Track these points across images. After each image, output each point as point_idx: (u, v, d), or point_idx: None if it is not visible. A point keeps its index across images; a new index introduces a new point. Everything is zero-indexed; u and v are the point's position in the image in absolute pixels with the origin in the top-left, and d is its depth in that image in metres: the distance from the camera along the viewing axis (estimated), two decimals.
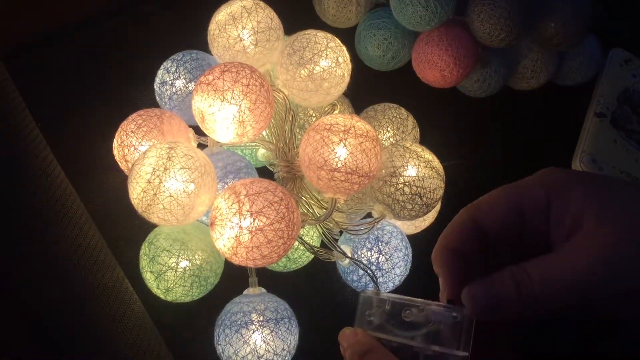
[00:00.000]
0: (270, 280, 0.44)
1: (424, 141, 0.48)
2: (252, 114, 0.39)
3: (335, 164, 0.38)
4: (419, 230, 0.47)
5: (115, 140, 0.42)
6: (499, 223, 0.29)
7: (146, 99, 0.50)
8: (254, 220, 0.35)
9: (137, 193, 0.37)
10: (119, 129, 0.41)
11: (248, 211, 0.35)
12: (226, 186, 0.40)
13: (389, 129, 0.47)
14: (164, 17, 0.54)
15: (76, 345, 0.38)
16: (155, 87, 0.44)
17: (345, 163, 0.38)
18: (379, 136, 0.47)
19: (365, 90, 0.51)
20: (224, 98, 0.38)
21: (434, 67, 0.54)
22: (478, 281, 0.29)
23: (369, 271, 0.40)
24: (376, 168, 0.40)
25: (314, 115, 0.46)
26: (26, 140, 0.40)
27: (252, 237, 0.35)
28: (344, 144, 0.39)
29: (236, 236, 0.35)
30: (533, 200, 0.29)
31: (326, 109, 0.46)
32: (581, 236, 0.26)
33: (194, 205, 0.37)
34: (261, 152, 0.45)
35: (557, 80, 0.61)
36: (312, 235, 0.46)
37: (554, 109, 0.62)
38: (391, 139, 0.47)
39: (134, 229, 0.44)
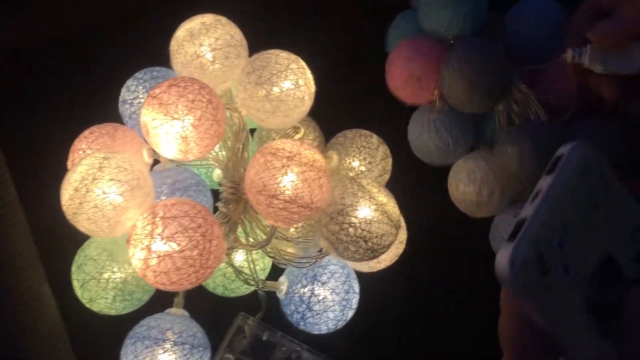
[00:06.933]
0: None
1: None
2: (196, 131, 0.38)
3: (274, 190, 0.37)
4: (373, 270, 0.44)
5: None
6: None
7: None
8: (164, 245, 0.34)
9: (65, 199, 0.37)
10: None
11: (159, 234, 0.34)
12: None
13: (354, 158, 0.44)
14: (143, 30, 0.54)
15: None
16: (119, 105, 0.45)
17: (283, 191, 0.36)
18: (345, 165, 0.44)
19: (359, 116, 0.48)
20: (167, 112, 0.37)
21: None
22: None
23: (263, 300, 0.41)
24: (320, 200, 0.37)
25: (276, 137, 0.45)
26: None
27: (159, 262, 0.34)
28: (285, 170, 0.37)
29: (145, 259, 0.34)
30: None
31: (288, 131, 0.44)
32: None
33: (120, 220, 0.37)
34: (217, 173, 0.44)
35: None
36: (266, 263, 0.44)
37: None
38: (358, 169, 0.44)
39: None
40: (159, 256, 0.34)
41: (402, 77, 0.46)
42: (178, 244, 0.34)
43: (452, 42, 0.46)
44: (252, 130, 0.47)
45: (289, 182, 0.36)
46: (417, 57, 0.45)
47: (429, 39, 0.46)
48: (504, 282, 0.25)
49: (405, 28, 0.50)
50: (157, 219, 0.34)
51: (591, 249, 0.26)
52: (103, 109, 0.47)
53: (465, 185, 0.46)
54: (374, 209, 0.38)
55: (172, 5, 0.50)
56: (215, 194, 0.42)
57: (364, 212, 0.38)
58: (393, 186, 0.45)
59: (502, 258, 0.25)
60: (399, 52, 0.47)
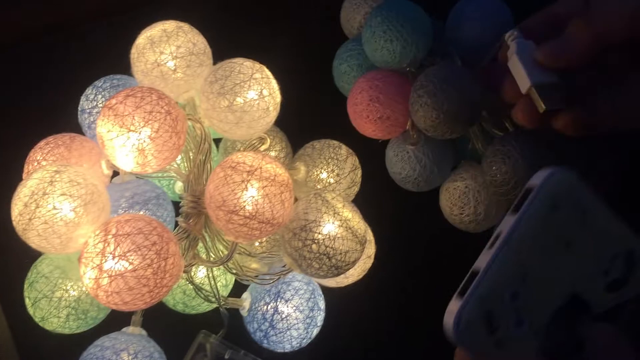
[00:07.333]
0: None
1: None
2: (154, 143, 0.36)
3: (233, 205, 0.35)
4: (341, 285, 0.43)
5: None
6: None
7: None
8: (116, 263, 0.32)
9: (15, 215, 0.35)
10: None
11: (111, 253, 0.32)
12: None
13: (323, 169, 0.43)
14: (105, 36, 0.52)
15: None
16: (78, 114, 0.43)
17: (243, 206, 0.35)
18: (312, 177, 0.43)
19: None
20: (123, 124, 0.36)
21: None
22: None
23: (225, 317, 0.39)
24: (282, 215, 0.36)
25: (241, 149, 0.43)
26: None
27: (111, 282, 0.32)
28: (245, 185, 0.35)
29: (96, 278, 0.32)
30: None
31: (254, 142, 0.42)
32: None
33: (73, 236, 0.35)
34: (179, 185, 0.43)
35: None
36: (228, 279, 0.43)
37: None
38: (326, 180, 0.43)
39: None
40: (110, 276, 0.32)
41: (369, 118, 0.44)
42: (130, 263, 0.32)
43: (410, 70, 0.44)
44: (219, 141, 0.46)
45: (249, 197, 0.35)
46: (380, 97, 0.43)
47: (388, 75, 0.44)
48: (450, 340, 0.24)
49: (351, 62, 0.47)
50: (110, 236, 0.33)
51: (553, 292, 0.24)
52: (63, 118, 0.45)
53: (460, 208, 0.44)
54: (338, 225, 0.37)
55: (134, 11, 0.48)
56: (178, 207, 0.41)
57: (328, 227, 0.37)
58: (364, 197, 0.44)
59: (449, 315, 0.24)
60: (360, 94, 0.44)
